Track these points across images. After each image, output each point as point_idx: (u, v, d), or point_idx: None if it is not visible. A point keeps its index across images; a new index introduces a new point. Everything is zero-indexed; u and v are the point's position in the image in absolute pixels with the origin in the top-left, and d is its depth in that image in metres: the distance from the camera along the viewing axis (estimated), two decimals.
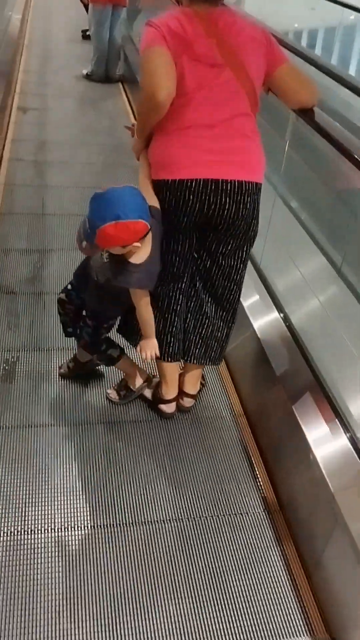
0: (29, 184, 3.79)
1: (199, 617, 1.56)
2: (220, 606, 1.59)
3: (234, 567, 1.69)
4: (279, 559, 1.73)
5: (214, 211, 1.70)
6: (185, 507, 1.86)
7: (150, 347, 1.89)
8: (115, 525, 1.78)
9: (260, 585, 1.66)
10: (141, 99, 1.66)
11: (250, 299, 2.36)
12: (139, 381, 2.22)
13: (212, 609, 1.58)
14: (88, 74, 5.84)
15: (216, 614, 1.57)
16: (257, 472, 2.02)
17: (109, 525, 1.78)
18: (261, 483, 1.98)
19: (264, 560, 1.73)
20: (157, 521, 1.81)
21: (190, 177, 1.65)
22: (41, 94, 5.38)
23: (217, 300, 1.95)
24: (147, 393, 2.24)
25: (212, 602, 1.60)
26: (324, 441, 1.69)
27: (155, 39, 1.58)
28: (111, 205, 1.55)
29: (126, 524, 1.78)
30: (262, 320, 2.26)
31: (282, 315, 2.24)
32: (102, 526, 1.77)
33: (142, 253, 1.67)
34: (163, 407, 2.18)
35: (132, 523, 1.79)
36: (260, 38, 1.68)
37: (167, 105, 1.59)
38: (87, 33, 6.28)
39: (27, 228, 3.30)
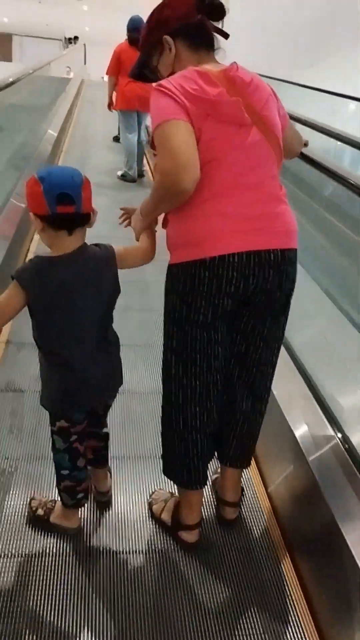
0: None
1: None
2: None
3: None
4: None
5: (255, 286, 1.44)
6: None
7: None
8: None
9: None
10: (159, 183, 1.39)
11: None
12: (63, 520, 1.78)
13: None
14: (122, 175, 5.98)
15: None
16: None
17: None
18: None
19: None
20: None
21: (232, 252, 1.39)
22: None
23: (252, 390, 1.65)
24: (165, 514, 1.82)
25: None
26: None
27: (173, 109, 1.34)
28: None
29: None
30: (315, 441, 1.81)
31: (340, 436, 1.81)
32: None
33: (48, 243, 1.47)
34: (184, 534, 1.76)
35: None
36: (273, 95, 1.53)
37: (192, 191, 1.34)
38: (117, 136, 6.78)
39: None
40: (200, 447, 1.63)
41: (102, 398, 1.70)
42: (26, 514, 1.82)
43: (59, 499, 1.75)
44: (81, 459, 1.68)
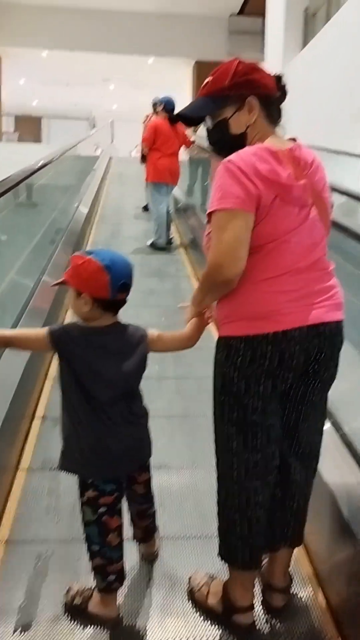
0: None
1: None
2: None
3: None
4: None
5: (312, 358, 1.48)
6: None
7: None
8: None
9: None
10: (205, 275, 1.49)
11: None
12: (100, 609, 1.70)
13: None
14: (152, 244, 6.13)
15: None
16: None
17: None
18: None
19: None
20: None
21: (295, 326, 1.43)
22: None
23: (303, 461, 1.63)
24: (212, 599, 1.71)
25: None
26: None
27: (237, 196, 1.37)
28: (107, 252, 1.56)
29: None
30: None
31: None
32: None
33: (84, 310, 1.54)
34: (240, 618, 1.65)
35: None
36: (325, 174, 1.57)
37: (235, 282, 1.41)
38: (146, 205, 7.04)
39: None
40: (263, 524, 1.59)
41: (125, 469, 1.69)
42: (63, 603, 1.75)
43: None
44: (112, 535, 1.62)
